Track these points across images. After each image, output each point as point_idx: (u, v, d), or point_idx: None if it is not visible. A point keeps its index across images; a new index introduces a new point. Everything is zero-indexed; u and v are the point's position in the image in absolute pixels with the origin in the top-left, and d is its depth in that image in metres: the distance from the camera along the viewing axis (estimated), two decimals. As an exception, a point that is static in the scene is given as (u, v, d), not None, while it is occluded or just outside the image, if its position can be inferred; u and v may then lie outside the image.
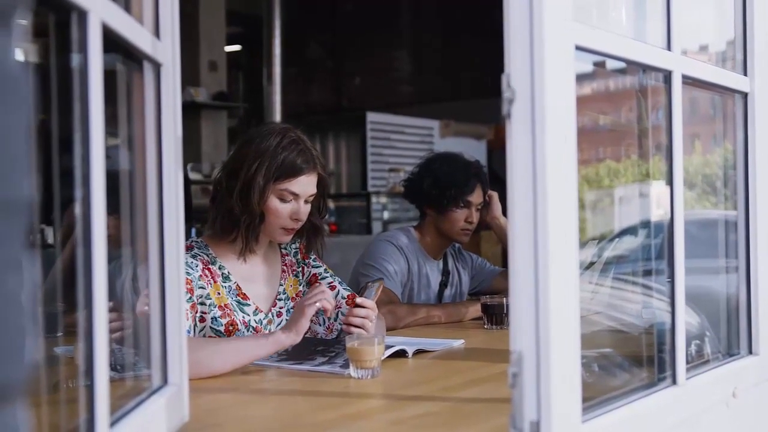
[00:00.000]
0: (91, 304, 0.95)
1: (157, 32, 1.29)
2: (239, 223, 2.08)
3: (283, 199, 2.08)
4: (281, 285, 2.23)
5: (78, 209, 0.96)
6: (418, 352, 2.10)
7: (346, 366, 1.84)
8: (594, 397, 1.26)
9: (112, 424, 1.03)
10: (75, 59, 0.96)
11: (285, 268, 2.26)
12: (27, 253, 0.55)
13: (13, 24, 0.53)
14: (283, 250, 2.29)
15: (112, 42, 1.05)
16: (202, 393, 1.63)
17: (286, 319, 2.17)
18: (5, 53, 0.52)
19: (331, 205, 7.53)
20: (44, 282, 1.86)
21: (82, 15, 0.94)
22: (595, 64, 1.38)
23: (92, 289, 0.95)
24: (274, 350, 1.89)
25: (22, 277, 0.54)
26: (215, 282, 2.09)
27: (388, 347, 1.96)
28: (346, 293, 2.27)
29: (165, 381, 1.32)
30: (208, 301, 2.05)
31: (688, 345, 1.51)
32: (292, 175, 2.06)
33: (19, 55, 0.54)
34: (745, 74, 1.72)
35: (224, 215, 2.10)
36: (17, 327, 0.52)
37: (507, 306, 2.56)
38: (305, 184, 2.09)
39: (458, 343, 2.27)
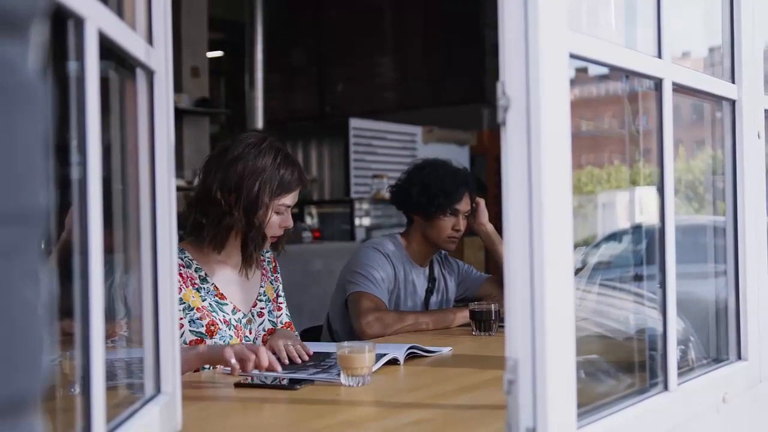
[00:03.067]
0: (88, 313, 0.94)
1: (150, 39, 1.29)
2: (242, 239, 2.17)
3: (278, 212, 2.20)
4: (262, 287, 2.32)
5: (74, 216, 0.95)
6: (411, 357, 2.10)
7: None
8: (588, 404, 1.26)
9: (108, 434, 1.02)
10: (71, 66, 0.95)
11: (264, 271, 2.35)
12: (43, 263, 0.54)
13: (29, 34, 0.53)
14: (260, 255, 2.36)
15: (106, 49, 1.04)
16: (194, 402, 1.62)
17: (268, 320, 2.30)
18: (23, 63, 0.51)
19: (314, 211, 7.51)
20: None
21: (79, 22, 0.94)
22: (578, 69, 1.38)
23: (89, 298, 0.94)
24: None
25: (39, 288, 0.53)
26: (192, 284, 2.15)
27: (379, 355, 1.96)
28: (285, 319, 2.38)
29: (158, 390, 1.31)
30: (182, 305, 2.09)
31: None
32: (290, 190, 2.20)
33: (36, 65, 0.53)
34: (733, 82, 1.74)
35: (222, 229, 2.15)
36: (35, 338, 0.52)
37: (495, 312, 2.57)
38: (296, 196, 2.24)
39: (446, 350, 2.27)
